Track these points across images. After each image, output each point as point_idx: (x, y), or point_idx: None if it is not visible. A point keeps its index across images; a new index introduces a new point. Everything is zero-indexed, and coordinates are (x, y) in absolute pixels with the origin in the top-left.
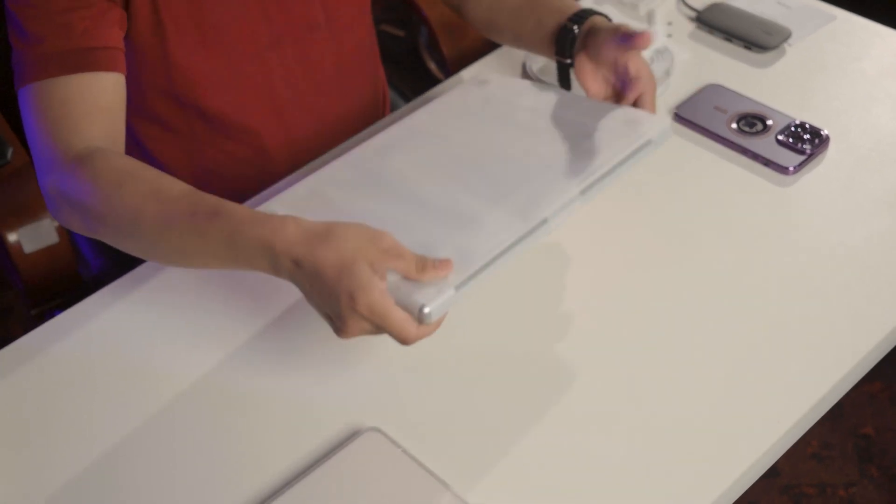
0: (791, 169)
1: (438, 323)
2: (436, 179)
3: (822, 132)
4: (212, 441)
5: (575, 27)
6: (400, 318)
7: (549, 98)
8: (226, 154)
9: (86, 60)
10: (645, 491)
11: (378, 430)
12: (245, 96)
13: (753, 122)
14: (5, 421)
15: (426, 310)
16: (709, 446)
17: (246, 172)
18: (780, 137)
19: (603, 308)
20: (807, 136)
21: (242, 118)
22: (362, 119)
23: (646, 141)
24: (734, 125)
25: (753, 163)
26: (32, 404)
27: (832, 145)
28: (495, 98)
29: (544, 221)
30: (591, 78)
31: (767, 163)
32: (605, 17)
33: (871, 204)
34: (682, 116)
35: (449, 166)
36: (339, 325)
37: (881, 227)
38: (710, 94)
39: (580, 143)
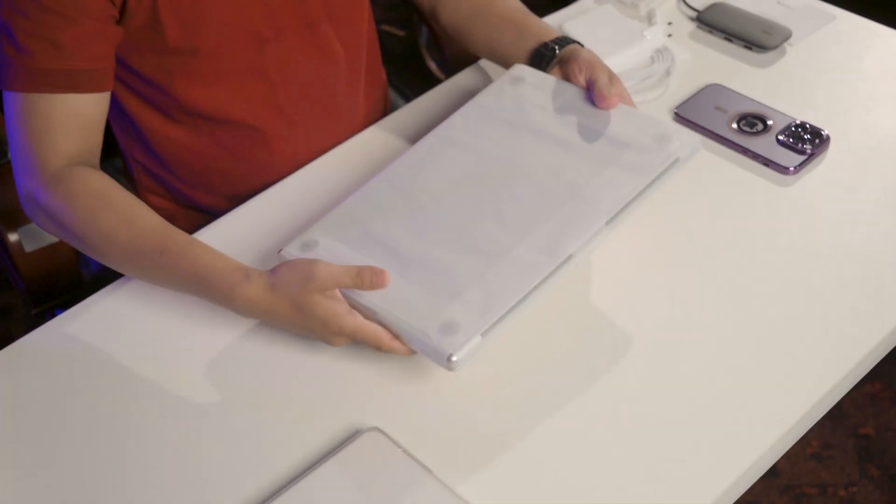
0: (791, 169)
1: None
2: (467, 203)
3: (822, 132)
4: (212, 440)
5: (556, 48)
6: (373, 331)
7: (580, 103)
8: (226, 147)
9: (71, 81)
10: (645, 491)
11: (378, 430)
12: (245, 89)
13: (754, 122)
14: (5, 421)
15: (454, 358)
16: (709, 446)
17: (247, 166)
18: (780, 137)
19: (602, 308)
20: (807, 136)
21: (242, 111)
22: (364, 116)
23: (674, 160)
24: (735, 125)
25: (754, 163)
26: (33, 404)
27: (833, 145)
28: (528, 102)
29: (570, 257)
30: None
31: (768, 163)
32: (581, 45)
33: (872, 204)
34: (682, 116)
35: (480, 187)
36: (327, 342)
37: (881, 227)
38: (710, 94)
39: (610, 162)
